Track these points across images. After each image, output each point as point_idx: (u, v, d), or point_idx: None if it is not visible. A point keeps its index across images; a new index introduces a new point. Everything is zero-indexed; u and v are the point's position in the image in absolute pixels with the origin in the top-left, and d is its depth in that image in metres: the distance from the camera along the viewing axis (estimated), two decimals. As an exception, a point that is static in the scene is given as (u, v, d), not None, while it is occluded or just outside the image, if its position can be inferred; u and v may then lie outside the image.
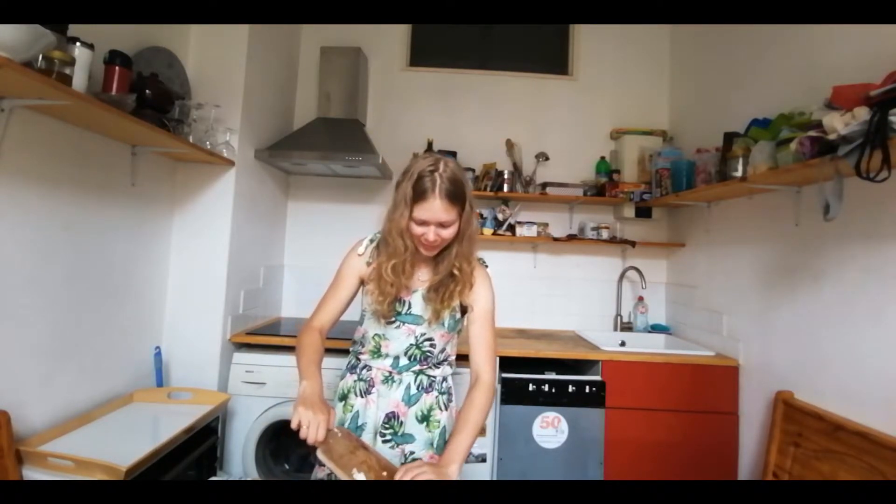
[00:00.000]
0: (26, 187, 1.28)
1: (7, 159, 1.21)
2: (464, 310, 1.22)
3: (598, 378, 2.04)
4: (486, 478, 1.99)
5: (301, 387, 1.02)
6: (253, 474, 1.93)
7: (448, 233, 1.09)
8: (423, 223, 1.07)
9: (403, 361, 1.21)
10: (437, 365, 1.24)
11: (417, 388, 1.21)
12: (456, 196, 1.07)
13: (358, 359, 1.26)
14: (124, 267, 1.70)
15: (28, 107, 1.21)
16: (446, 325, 1.19)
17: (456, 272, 1.15)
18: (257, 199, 2.30)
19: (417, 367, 1.22)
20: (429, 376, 1.23)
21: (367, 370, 1.22)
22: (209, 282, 1.98)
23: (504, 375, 2.04)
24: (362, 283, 1.22)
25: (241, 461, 1.96)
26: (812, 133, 1.36)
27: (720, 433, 2.00)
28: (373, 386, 1.20)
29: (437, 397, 1.22)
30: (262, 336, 2.09)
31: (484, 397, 1.11)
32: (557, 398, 2.02)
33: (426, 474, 0.95)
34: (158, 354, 1.83)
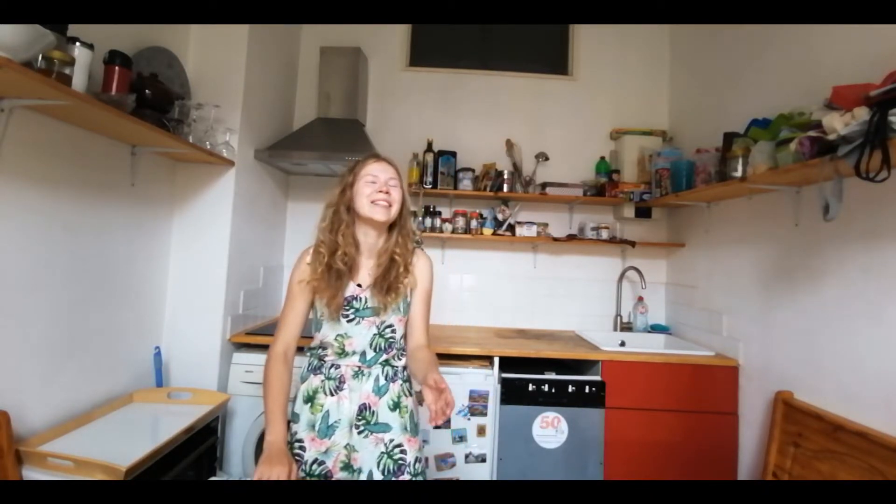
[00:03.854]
0: (26, 187, 1.28)
1: (7, 159, 1.21)
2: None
3: (597, 378, 2.04)
4: (486, 478, 1.99)
5: (265, 441, 1.11)
6: (252, 474, 1.93)
7: (396, 192, 1.22)
8: (374, 179, 1.20)
9: (370, 354, 1.24)
10: (400, 357, 1.29)
11: (385, 379, 1.25)
12: (392, 164, 1.26)
13: (322, 360, 1.25)
14: (124, 267, 1.70)
15: (28, 107, 1.21)
16: (402, 309, 1.26)
17: (397, 258, 1.24)
18: (257, 199, 2.30)
19: (384, 358, 1.25)
20: (393, 367, 1.27)
21: (336, 368, 1.24)
22: (209, 282, 1.98)
23: (504, 375, 2.04)
24: (314, 290, 1.23)
25: (240, 461, 1.96)
26: (812, 133, 1.36)
27: (720, 433, 2.00)
28: (343, 382, 1.22)
29: (401, 385, 1.27)
30: (262, 336, 2.09)
31: (433, 355, 1.23)
32: (557, 398, 2.02)
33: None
34: (158, 354, 1.83)
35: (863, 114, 1.17)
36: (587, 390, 2.02)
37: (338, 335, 1.23)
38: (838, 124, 1.22)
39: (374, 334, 1.23)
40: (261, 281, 2.37)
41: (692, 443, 2.01)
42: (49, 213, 1.36)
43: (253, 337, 2.07)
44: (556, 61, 2.90)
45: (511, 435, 2.01)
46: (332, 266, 1.19)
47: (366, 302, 1.23)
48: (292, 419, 1.25)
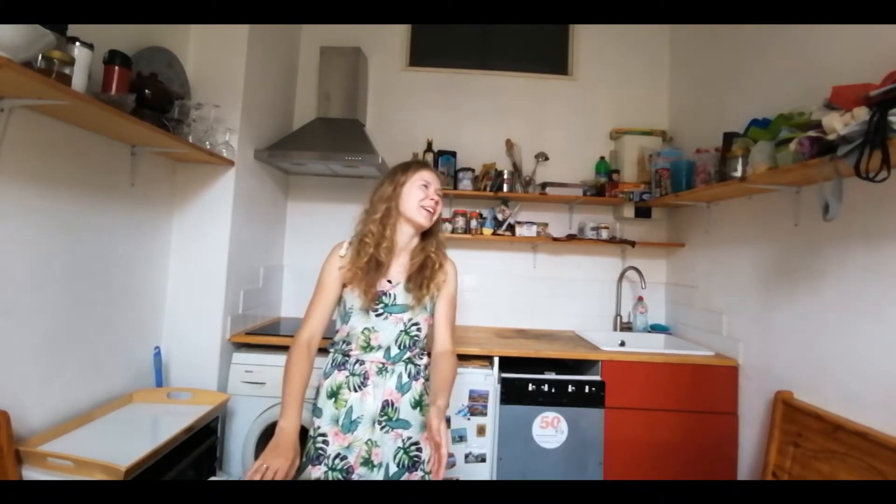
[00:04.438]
0: (26, 187, 1.28)
1: (7, 159, 1.21)
2: None
3: (597, 378, 2.04)
4: (486, 478, 1.99)
5: (277, 426, 1.12)
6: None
7: (440, 205, 1.30)
8: (425, 185, 1.27)
9: (395, 351, 1.26)
10: (422, 356, 1.33)
11: (408, 377, 1.28)
12: (438, 175, 1.32)
13: (346, 356, 1.28)
14: (124, 267, 1.70)
15: (28, 107, 1.21)
16: (428, 308, 1.30)
17: (432, 256, 1.31)
18: (257, 199, 2.30)
19: (408, 356, 1.28)
20: (416, 365, 1.30)
21: (360, 364, 1.26)
22: (209, 282, 1.98)
23: (504, 375, 2.04)
24: (344, 285, 1.28)
25: (240, 461, 1.96)
26: (811, 133, 1.36)
27: (720, 433, 2.00)
28: (367, 378, 1.25)
29: (423, 384, 1.31)
30: (262, 336, 2.09)
31: (455, 366, 1.29)
32: (557, 398, 2.02)
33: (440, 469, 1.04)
34: (158, 354, 1.83)
35: (863, 114, 1.17)
36: (587, 390, 2.02)
37: (365, 328, 1.25)
38: (838, 124, 1.22)
39: (401, 331, 1.27)
40: (261, 281, 2.37)
41: (692, 443, 2.01)
42: (49, 213, 1.36)
43: (253, 337, 2.07)
44: (556, 61, 2.90)
45: (511, 435, 2.01)
46: (376, 257, 1.24)
47: (395, 298, 1.27)
48: (315, 413, 1.28)
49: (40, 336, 1.36)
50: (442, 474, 1.03)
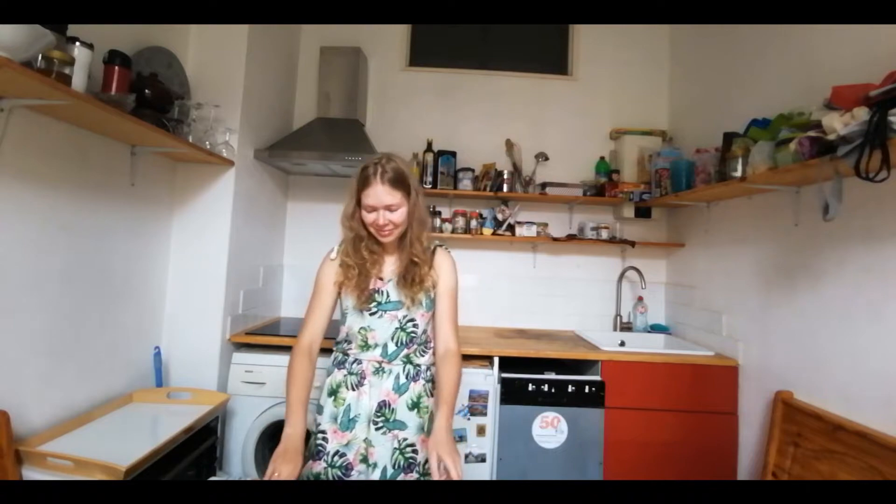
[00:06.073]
0: (26, 187, 1.28)
1: (7, 159, 1.21)
2: None
3: (597, 378, 2.04)
4: (486, 478, 1.99)
5: (284, 433, 1.12)
6: (252, 474, 1.93)
7: (397, 216, 1.20)
8: (372, 209, 1.19)
9: (392, 348, 1.26)
10: (422, 353, 1.31)
11: (406, 378, 1.28)
12: (397, 181, 1.19)
13: (346, 354, 1.30)
14: (124, 267, 1.69)
15: (28, 107, 1.21)
16: (424, 304, 1.28)
17: (416, 258, 1.25)
18: (257, 199, 2.30)
19: (405, 353, 1.27)
20: (415, 365, 1.29)
21: (358, 363, 1.27)
22: (209, 282, 1.98)
23: (504, 375, 2.04)
24: (339, 287, 1.28)
25: (240, 461, 1.96)
26: (811, 133, 1.36)
27: (720, 433, 2.00)
28: (364, 378, 1.26)
29: (423, 385, 1.29)
30: (262, 336, 2.09)
31: (459, 369, 1.24)
32: (557, 398, 2.02)
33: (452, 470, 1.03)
34: (158, 354, 1.83)
35: (862, 114, 1.17)
36: (587, 390, 2.02)
37: (361, 328, 1.26)
38: (838, 124, 1.22)
39: (396, 328, 1.26)
40: (261, 281, 2.37)
41: (692, 443, 2.01)
42: (49, 213, 1.36)
43: (253, 337, 2.07)
44: (556, 61, 2.90)
45: (511, 435, 2.01)
46: (360, 272, 1.24)
47: (388, 296, 1.26)
48: (318, 411, 1.29)
49: (40, 336, 1.36)
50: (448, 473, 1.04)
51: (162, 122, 1.59)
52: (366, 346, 1.27)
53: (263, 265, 2.40)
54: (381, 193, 1.17)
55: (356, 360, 1.27)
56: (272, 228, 2.55)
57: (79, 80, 1.22)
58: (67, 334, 1.45)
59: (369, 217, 1.21)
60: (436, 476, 1.04)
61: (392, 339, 1.26)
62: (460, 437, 2.00)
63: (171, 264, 1.97)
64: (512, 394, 2.02)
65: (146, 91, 1.54)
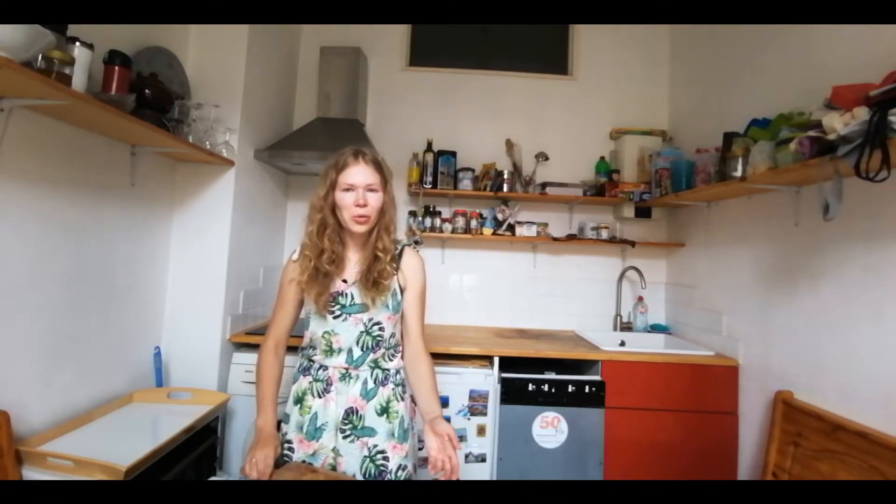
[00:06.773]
0: (26, 187, 1.28)
1: (7, 159, 1.21)
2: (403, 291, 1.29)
3: (597, 378, 2.04)
4: (486, 478, 1.99)
5: (255, 426, 1.18)
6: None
7: (375, 199, 1.18)
8: (351, 188, 1.17)
9: (357, 353, 1.22)
10: (391, 357, 1.26)
11: (374, 383, 1.23)
12: (378, 166, 1.21)
13: (311, 360, 1.27)
14: (124, 267, 1.69)
15: (28, 107, 1.21)
16: (390, 306, 1.23)
17: (380, 254, 1.21)
18: (257, 199, 2.30)
19: (372, 358, 1.23)
20: (383, 370, 1.25)
21: (324, 370, 1.23)
22: (209, 282, 1.98)
23: (504, 375, 2.04)
24: (300, 285, 1.24)
25: (240, 461, 1.95)
26: (811, 133, 1.36)
27: (720, 433, 2.00)
28: (331, 384, 1.22)
29: (392, 389, 1.25)
30: (262, 336, 2.06)
31: (432, 366, 1.26)
32: (557, 398, 2.02)
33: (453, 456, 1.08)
34: (158, 354, 1.83)
35: (862, 114, 1.17)
36: (587, 390, 2.02)
37: (325, 332, 1.22)
38: (838, 124, 1.22)
39: (361, 331, 1.22)
40: (261, 281, 2.37)
41: (692, 443, 2.01)
42: (49, 213, 1.36)
43: (253, 337, 2.07)
44: (555, 61, 2.90)
45: (511, 435, 2.01)
46: (319, 269, 1.19)
47: (352, 298, 1.22)
48: (283, 420, 1.26)
49: (41, 336, 1.36)
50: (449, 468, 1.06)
51: (162, 122, 1.59)
52: (330, 352, 1.22)
53: (263, 265, 2.40)
54: (363, 172, 1.18)
55: (322, 366, 1.23)
56: (272, 228, 2.55)
57: (79, 81, 1.22)
58: (68, 334, 1.45)
59: (347, 197, 1.16)
60: (434, 453, 1.06)
61: (357, 343, 1.21)
62: (460, 437, 2.00)
63: (171, 264, 1.97)
64: (512, 394, 2.02)
65: (146, 91, 1.54)
